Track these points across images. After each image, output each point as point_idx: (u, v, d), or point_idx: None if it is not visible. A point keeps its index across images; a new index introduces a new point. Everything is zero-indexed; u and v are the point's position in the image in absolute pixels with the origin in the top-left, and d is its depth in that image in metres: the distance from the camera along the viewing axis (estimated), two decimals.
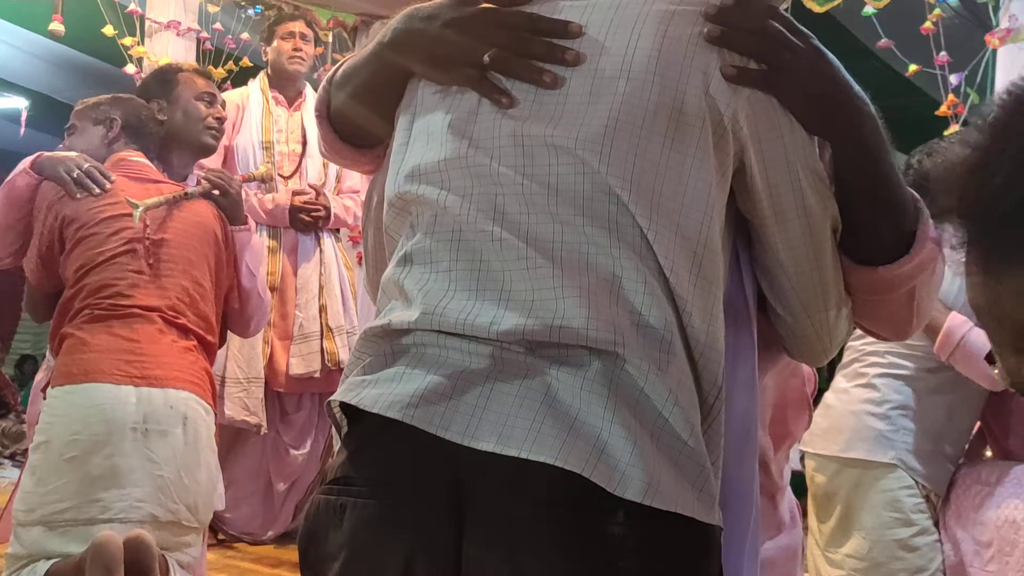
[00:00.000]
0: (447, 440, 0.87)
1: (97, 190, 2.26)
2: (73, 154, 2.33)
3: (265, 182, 3.12)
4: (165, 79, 2.59)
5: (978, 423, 2.39)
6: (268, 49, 3.72)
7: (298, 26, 3.71)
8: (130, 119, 2.46)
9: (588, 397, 0.87)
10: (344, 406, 0.97)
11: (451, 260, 0.95)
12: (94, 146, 2.41)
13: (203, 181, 2.44)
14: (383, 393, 0.92)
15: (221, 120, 2.59)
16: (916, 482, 2.23)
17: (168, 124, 2.51)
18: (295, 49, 3.67)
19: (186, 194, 2.37)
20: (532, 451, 0.85)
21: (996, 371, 0.70)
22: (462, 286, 0.93)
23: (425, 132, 1.02)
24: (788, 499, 1.28)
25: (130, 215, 2.23)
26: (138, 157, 2.39)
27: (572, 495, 0.85)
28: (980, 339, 2.13)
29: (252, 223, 2.54)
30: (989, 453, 2.46)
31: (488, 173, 0.95)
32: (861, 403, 2.30)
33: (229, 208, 2.43)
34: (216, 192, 2.42)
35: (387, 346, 0.96)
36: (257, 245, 2.55)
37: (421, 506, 0.89)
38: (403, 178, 1.02)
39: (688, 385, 0.90)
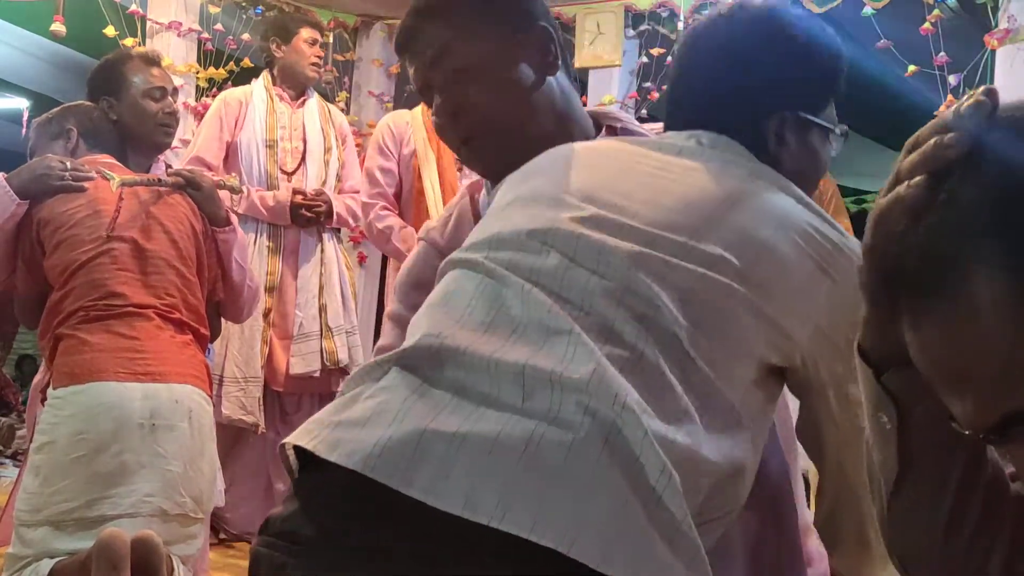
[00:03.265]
0: (409, 497, 0.77)
1: (94, 174, 2.27)
2: (35, 162, 2.29)
3: (234, 192, 3.10)
4: (111, 75, 2.49)
5: None
6: (284, 47, 3.64)
7: (318, 35, 3.71)
8: (84, 125, 2.43)
9: (575, 456, 0.79)
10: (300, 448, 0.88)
11: (472, 296, 0.93)
12: None
13: (173, 176, 2.42)
14: (343, 439, 0.83)
15: (173, 114, 2.53)
16: None
17: (119, 124, 2.47)
18: (318, 56, 3.67)
19: (160, 180, 2.36)
20: (504, 520, 0.75)
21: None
22: (476, 316, 0.91)
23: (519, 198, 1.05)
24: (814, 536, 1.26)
25: (106, 212, 2.23)
26: (105, 159, 2.38)
27: (549, 572, 0.76)
28: None
29: (235, 220, 2.53)
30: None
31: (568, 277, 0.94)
32: None
33: (204, 203, 2.40)
34: (187, 187, 2.39)
35: (372, 374, 0.92)
36: (242, 238, 2.55)
37: (376, 574, 0.80)
38: (471, 246, 1.03)
39: (689, 464, 0.85)
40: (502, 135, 1.27)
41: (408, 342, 0.92)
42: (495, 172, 1.29)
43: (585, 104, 5.02)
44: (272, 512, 0.90)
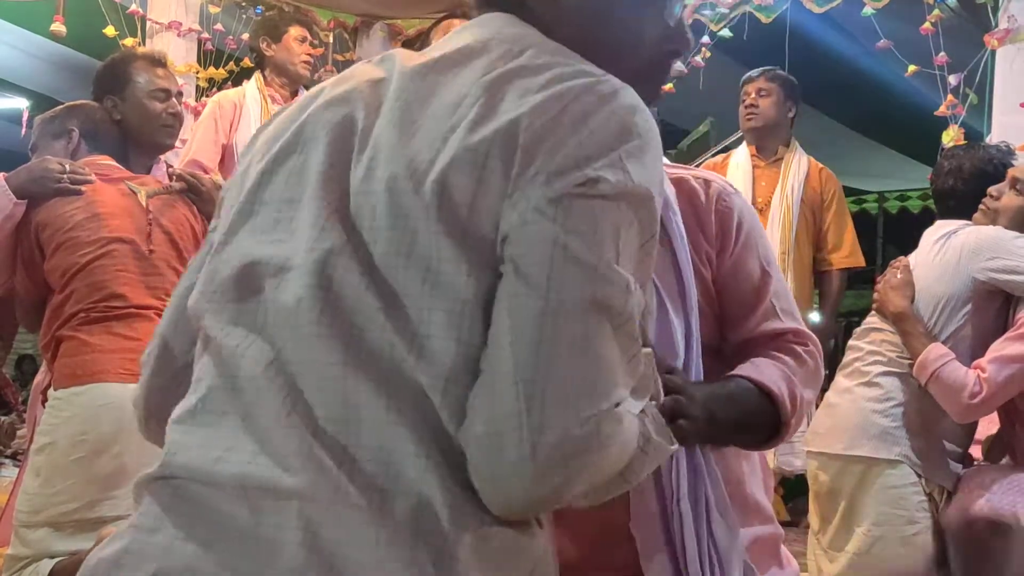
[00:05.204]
0: None
1: (92, 177, 2.27)
2: (34, 163, 2.29)
3: None
4: (117, 74, 2.48)
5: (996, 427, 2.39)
6: (274, 46, 3.64)
7: (308, 33, 3.70)
8: (86, 126, 2.43)
9: None
10: None
11: (204, 376, 0.81)
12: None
13: (175, 179, 2.42)
14: None
15: (176, 115, 2.52)
16: (920, 477, 2.24)
17: (123, 123, 2.46)
18: (308, 54, 3.67)
19: (168, 188, 2.37)
20: None
21: None
22: (207, 408, 0.78)
23: None
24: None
25: (106, 214, 2.23)
26: (105, 160, 2.38)
27: None
28: (954, 374, 2.16)
29: None
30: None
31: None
32: (865, 401, 2.31)
33: (203, 206, 2.40)
34: (189, 191, 2.40)
35: (137, 495, 0.81)
36: None
37: None
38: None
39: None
40: None
41: (167, 456, 0.79)
42: None
43: None
44: None
